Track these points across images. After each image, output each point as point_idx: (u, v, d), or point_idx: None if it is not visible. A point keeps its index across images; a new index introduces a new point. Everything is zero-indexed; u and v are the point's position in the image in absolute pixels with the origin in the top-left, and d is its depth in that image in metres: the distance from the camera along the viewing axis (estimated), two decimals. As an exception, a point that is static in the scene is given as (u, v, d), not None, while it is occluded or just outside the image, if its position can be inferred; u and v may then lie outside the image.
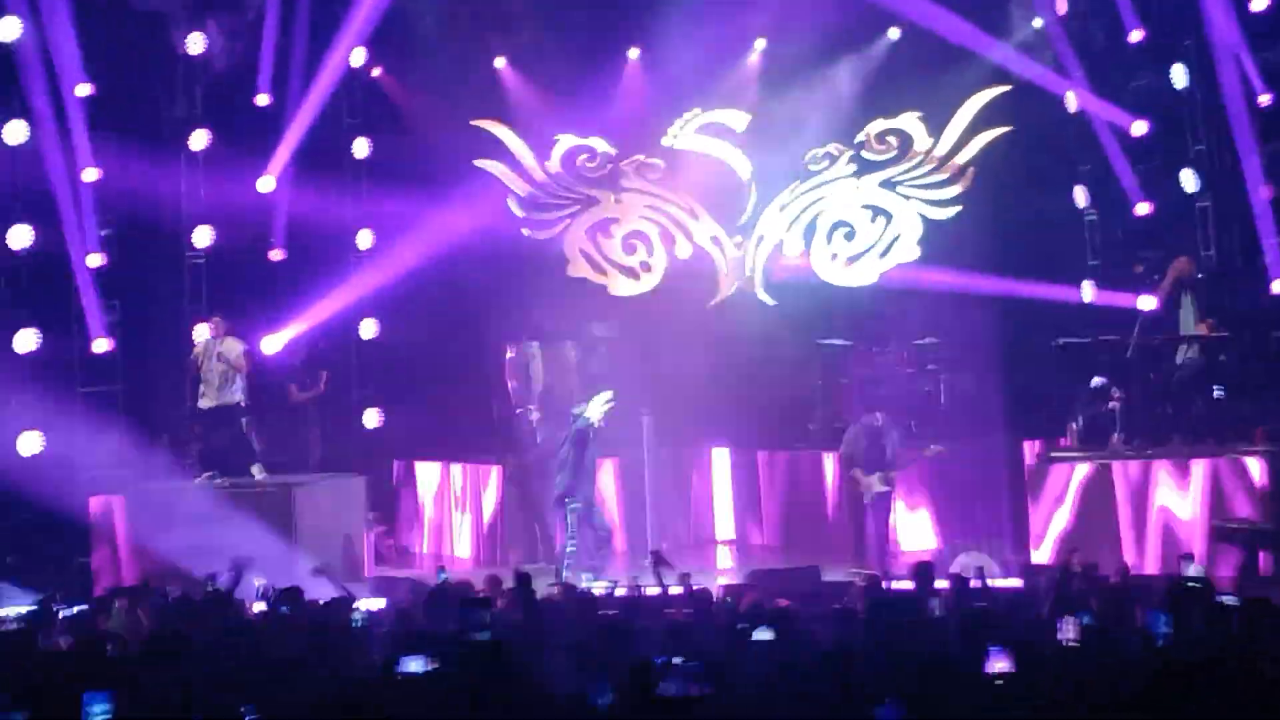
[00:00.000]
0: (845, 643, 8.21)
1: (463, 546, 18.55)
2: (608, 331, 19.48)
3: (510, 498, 17.93)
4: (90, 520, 16.58)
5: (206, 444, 17.37)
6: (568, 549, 15.77)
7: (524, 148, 19.70)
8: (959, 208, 19.02)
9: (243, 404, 17.25)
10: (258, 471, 17.12)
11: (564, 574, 15.10)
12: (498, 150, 19.66)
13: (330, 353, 19.10)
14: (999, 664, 7.73)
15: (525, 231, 19.73)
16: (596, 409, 16.03)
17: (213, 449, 17.28)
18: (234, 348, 17.13)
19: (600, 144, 19.62)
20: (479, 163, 19.55)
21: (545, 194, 19.76)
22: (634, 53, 19.60)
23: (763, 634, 8.94)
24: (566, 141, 19.67)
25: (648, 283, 19.77)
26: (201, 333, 17.37)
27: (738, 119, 19.42)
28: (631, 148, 19.59)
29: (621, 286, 19.82)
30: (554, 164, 19.70)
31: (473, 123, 19.46)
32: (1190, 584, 10.59)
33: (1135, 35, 17.47)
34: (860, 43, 19.11)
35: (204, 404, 17.18)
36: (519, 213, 19.72)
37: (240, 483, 17.01)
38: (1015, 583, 13.75)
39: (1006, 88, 18.57)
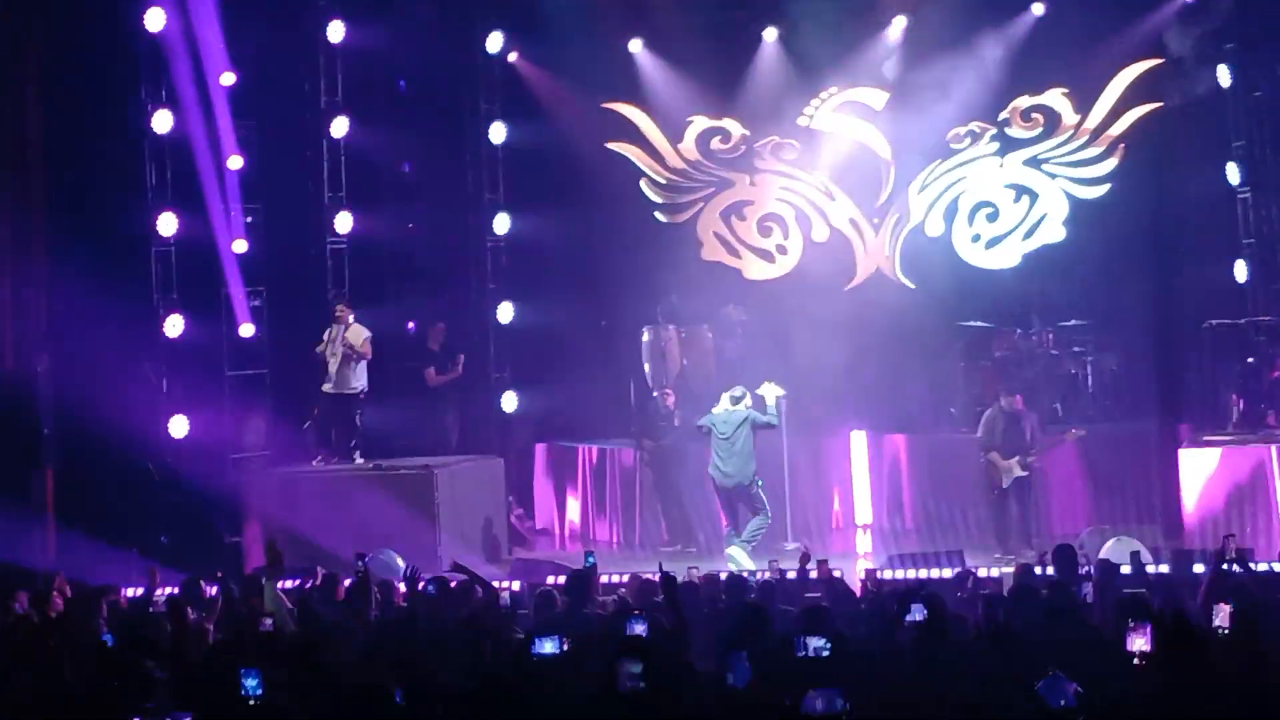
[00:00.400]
0: (997, 624, 8.02)
1: (601, 529, 18.52)
2: (744, 315, 19.31)
3: (646, 481, 17.85)
4: (239, 500, 16.80)
5: (325, 428, 17.49)
6: (760, 527, 16.04)
7: (656, 130, 19.52)
8: (1108, 186, 18.53)
9: (362, 393, 17.35)
10: (359, 458, 17.20)
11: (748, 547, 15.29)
12: (632, 133, 19.51)
13: (468, 336, 19.13)
14: (1138, 642, 7.54)
15: (658, 215, 19.59)
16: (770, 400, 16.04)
17: (325, 433, 17.39)
18: (358, 334, 17.25)
19: (734, 125, 19.37)
20: (612, 145, 19.39)
21: (679, 176, 19.57)
22: (771, 33, 19.33)
23: (916, 615, 8.76)
24: (700, 123, 19.46)
25: (783, 266, 19.49)
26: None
27: (876, 97, 19.06)
28: (766, 129, 19.28)
29: (756, 270, 19.57)
30: (687, 146, 19.49)
31: (605, 105, 19.31)
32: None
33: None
34: (1003, 17, 18.63)
35: (325, 388, 17.31)
36: (653, 196, 19.57)
37: (383, 464, 17.14)
38: (1165, 569, 13.44)
39: (1159, 60, 17.98)
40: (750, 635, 8.55)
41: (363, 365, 17.30)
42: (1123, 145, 18.44)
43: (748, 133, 19.33)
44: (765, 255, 19.54)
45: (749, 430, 16.22)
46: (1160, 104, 18.09)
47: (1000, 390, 16.48)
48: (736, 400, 16.36)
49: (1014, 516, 16.02)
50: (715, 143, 19.43)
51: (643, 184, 19.56)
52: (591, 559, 12.29)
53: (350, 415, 17.41)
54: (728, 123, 19.40)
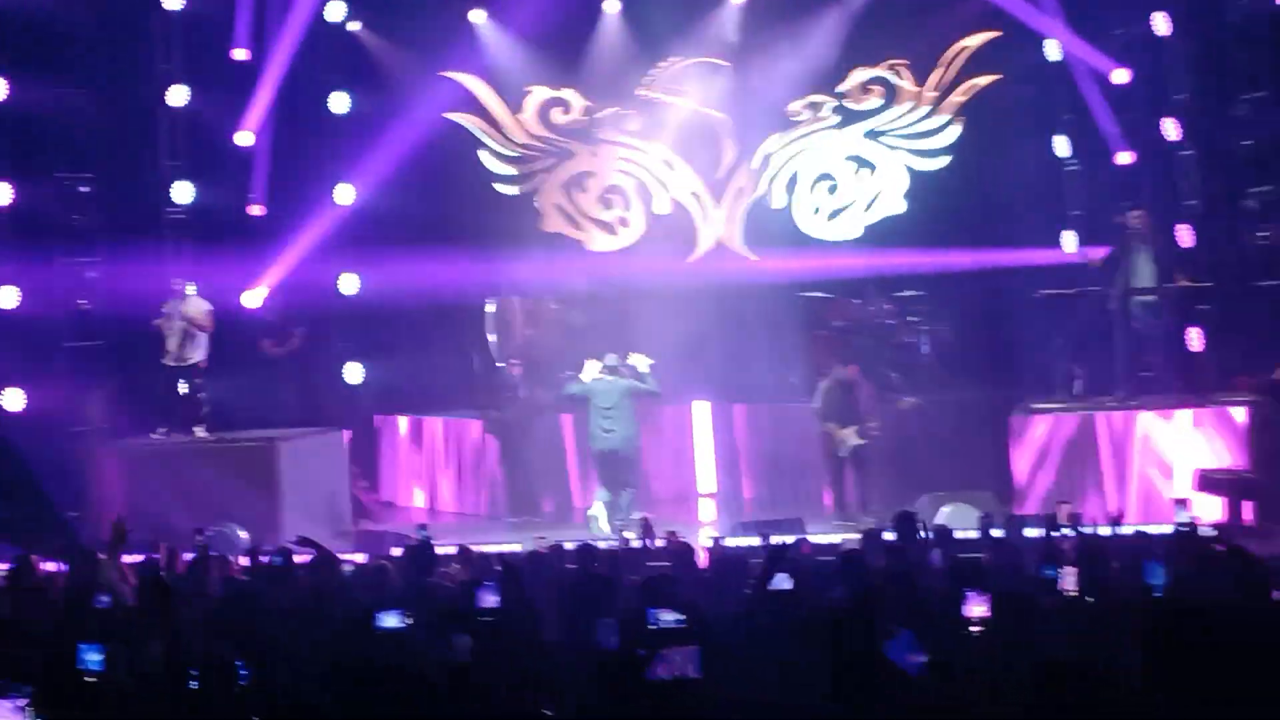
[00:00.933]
0: (861, 592, 8.18)
1: (445, 500, 18.56)
2: (588, 286, 19.42)
3: (492, 452, 17.91)
4: (79, 474, 16.56)
5: (165, 400, 17.35)
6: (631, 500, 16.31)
7: (496, 101, 19.49)
8: (949, 158, 18.82)
9: (201, 364, 17.21)
10: (200, 432, 17.07)
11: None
12: (472, 103, 19.46)
13: (310, 308, 18.98)
14: (976, 609, 7.76)
15: (498, 187, 19.57)
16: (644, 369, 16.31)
17: (169, 406, 17.26)
18: (198, 307, 17.12)
19: (575, 96, 19.39)
20: (450, 115, 19.32)
21: (519, 147, 19.55)
22: (613, 3, 19.34)
23: (782, 584, 8.88)
24: (540, 94, 19.45)
25: (625, 238, 19.59)
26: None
27: (718, 68, 19.09)
28: (608, 99, 19.30)
29: (599, 242, 19.61)
30: (527, 116, 19.47)
31: (442, 74, 19.19)
32: (1184, 533, 10.61)
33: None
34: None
35: (165, 361, 17.14)
36: (493, 168, 19.55)
37: (225, 437, 17.01)
38: (999, 534, 13.75)
39: (997, 33, 18.25)
40: (598, 607, 8.64)
41: (203, 338, 17.14)
42: (962, 116, 18.70)
43: (589, 103, 19.34)
44: (607, 227, 19.60)
45: (631, 399, 16.33)
46: (1000, 75, 18.40)
47: (835, 360, 16.74)
48: (612, 369, 16.42)
49: (853, 484, 16.32)
50: (556, 114, 19.43)
51: (482, 155, 19.50)
52: (424, 532, 12.31)
53: (191, 388, 17.25)
54: (568, 93, 19.40)
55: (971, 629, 7.63)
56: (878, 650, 6.48)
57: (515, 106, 19.42)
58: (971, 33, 18.50)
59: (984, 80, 18.54)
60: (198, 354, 17.18)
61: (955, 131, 18.80)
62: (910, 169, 19.01)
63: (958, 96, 18.75)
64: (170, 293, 17.23)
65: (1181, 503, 12.43)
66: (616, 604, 9.05)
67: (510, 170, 19.57)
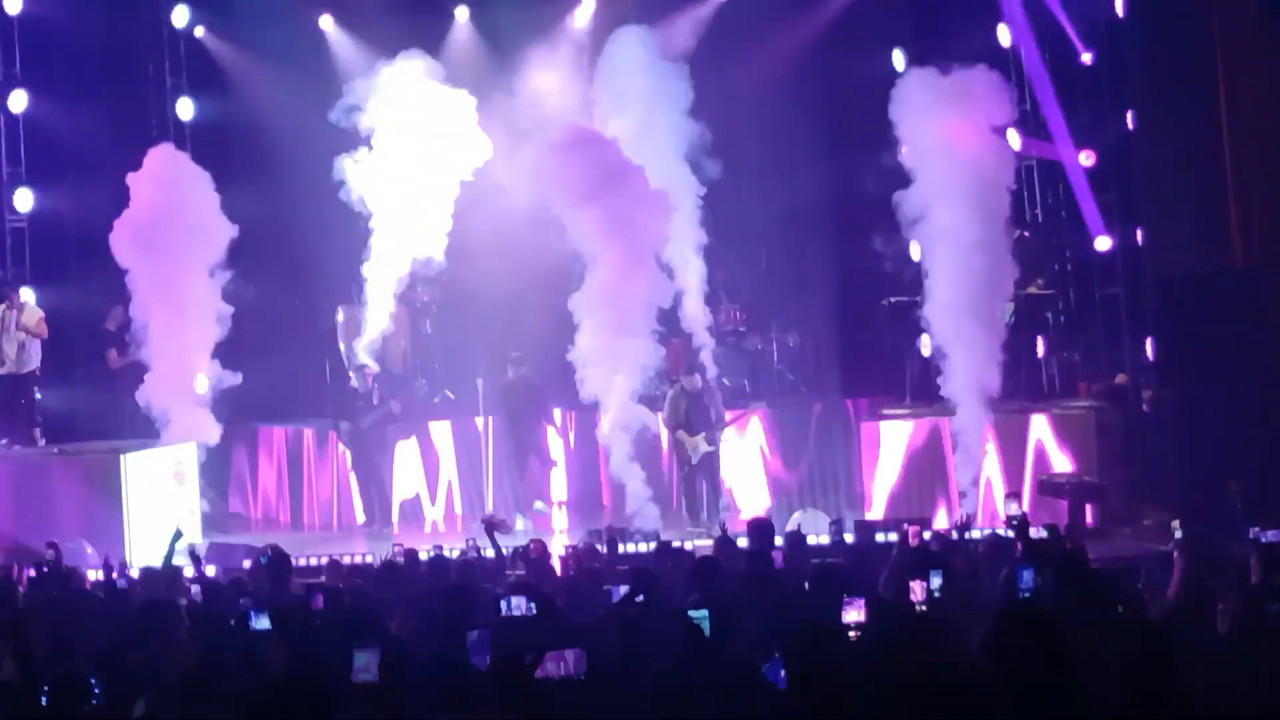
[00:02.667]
0: (714, 603, 8.24)
1: (297, 511, 18.37)
2: (437, 292, 19.39)
3: (344, 461, 17.78)
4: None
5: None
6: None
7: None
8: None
9: (36, 371, 16.94)
10: (39, 440, 16.77)
11: None
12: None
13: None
14: (852, 614, 7.87)
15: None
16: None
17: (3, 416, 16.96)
18: (33, 314, 16.90)
19: None
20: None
21: None
22: (462, 11, 19.51)
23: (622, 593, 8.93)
24: None
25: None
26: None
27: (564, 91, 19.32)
28: None
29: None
30: None
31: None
32: (1029, 537, 10.82)
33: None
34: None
35: (5, 370, 16.82)
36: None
37: (68, 448, 16.71)
38: (850, 538, 13.95)
39: None
40: (457, 616, 8.63)
41: (37, 345, 16.86)
42: None
43: None
44: None
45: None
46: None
47: (681, 369, 16.85)
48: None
49: (704, 491, 16.43)
50: None
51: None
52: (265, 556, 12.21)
53: (29, 395, 16.93)
54: None
55: (850, 634, 7.73)
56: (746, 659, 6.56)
57: None
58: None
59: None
60: (34, 361, 16.86)
61: None
62: None
63: None
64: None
65: (1013, 496, 12.67)
66: (479, 615, 9.04)
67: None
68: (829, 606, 7.89)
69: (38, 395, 17.16)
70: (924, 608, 8.85)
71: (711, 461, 16.43)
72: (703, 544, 13.74)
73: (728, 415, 16.66)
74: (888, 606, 7.95)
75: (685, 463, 16.53)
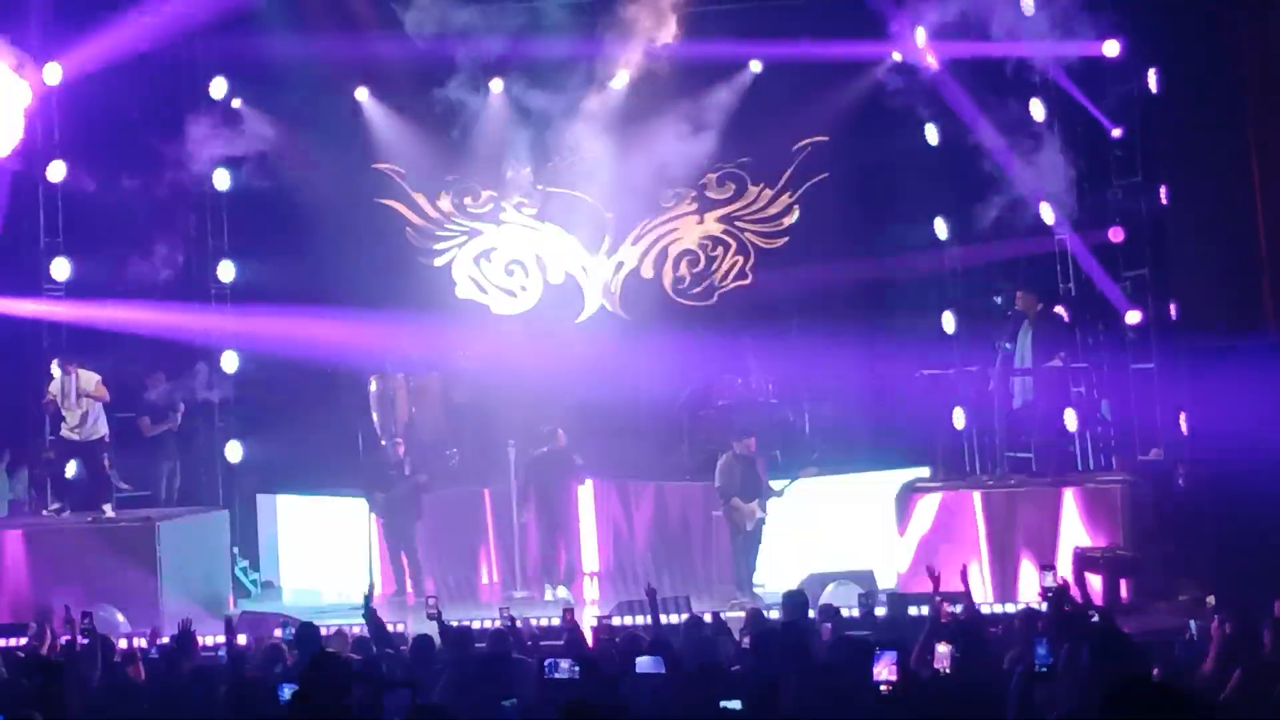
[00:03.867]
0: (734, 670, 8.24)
1: (329, 580, 18.37)
2: (472, 363, 19.56)
3: (377, 531, 17.78)
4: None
5: (62, 476, 17.08)
6: None
7: (417, 186, 20.53)
8: (786, 239, 20.31)
9: (106, 438, 17.04)
10: (109, 510, 16.88)
11: None
12: (394, 190, 20.45)
13: (191, 385, 18.74)
14: (883, 671, 7.84)
15: (422, 260, 20.64)
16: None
17: (72, 482, 17.01)
18: (90, 378, 16.95)
19: (482, 188, 20.55)
20: (383, 200, 20.42)
21: (437, 227, 20.66)
22: (496, 84, 19.83)
23: (648, 665, 8.89)
24: (453, 185, 20.58)
25: (525, 302, 20.83)
26: (55, 372, 17.13)
27: (600, 164, 20.17)
28: (508, 188, 20.50)
29: (502, 305, 20.77)
30: (443, 203, 20.67)
31: (376, 166, 20.30)
32: (1063, 610, 10.77)
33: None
34: (719, 77, 19.55)
35: (68, 434, 16.92)
36: (418, 243, 20.64)
37: (101, 517, 16.77)
38: (883, 612, 13.87)
39: (824, 137, 19.83)
40: (493, 687, 8.63)
41: (100, 410, 16.95)
42: (796, 206, 20.22)
43: (495, 194, 20.60)
44: (509, 293, 20.82)
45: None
46: (826, 174, 19.83)
47: (732, 437, 16.86)
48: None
49: (751, 561, 16.40)
50: (467, 200, 20.69)
51: (407, 231, 20.68)
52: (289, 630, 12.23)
53: (98, 463, 17.08)
54: (475, 185, 20.60)
55: (881, 689, 7.72)
56: None
57: (432, 195, 20.64)
58: (809, 135, 19.94)
59: (818, 177, 20.00)
60: (102, 429, 17.00)
61: (792, 218, 20.28)
62: (756, 246, 20.48)
63: (794, 190, 20.26)
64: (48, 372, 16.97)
65: (1048, 568, 12.61)
66: (513, 684, 9.03)
67: (432, 245, 20.74)
68: (857, 674, 7.86)
69: (107, 465, 17.17)
70: (947, 673, 8.82)
71: (759, 530, 16.39)
72: (734, 615, 13.65)
73: (775, 485, 16.65)
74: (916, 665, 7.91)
75: (739, 530, 16.47)
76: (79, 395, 16.84)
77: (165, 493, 18.30)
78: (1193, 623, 10.90)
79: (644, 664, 9.03)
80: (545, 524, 17.76)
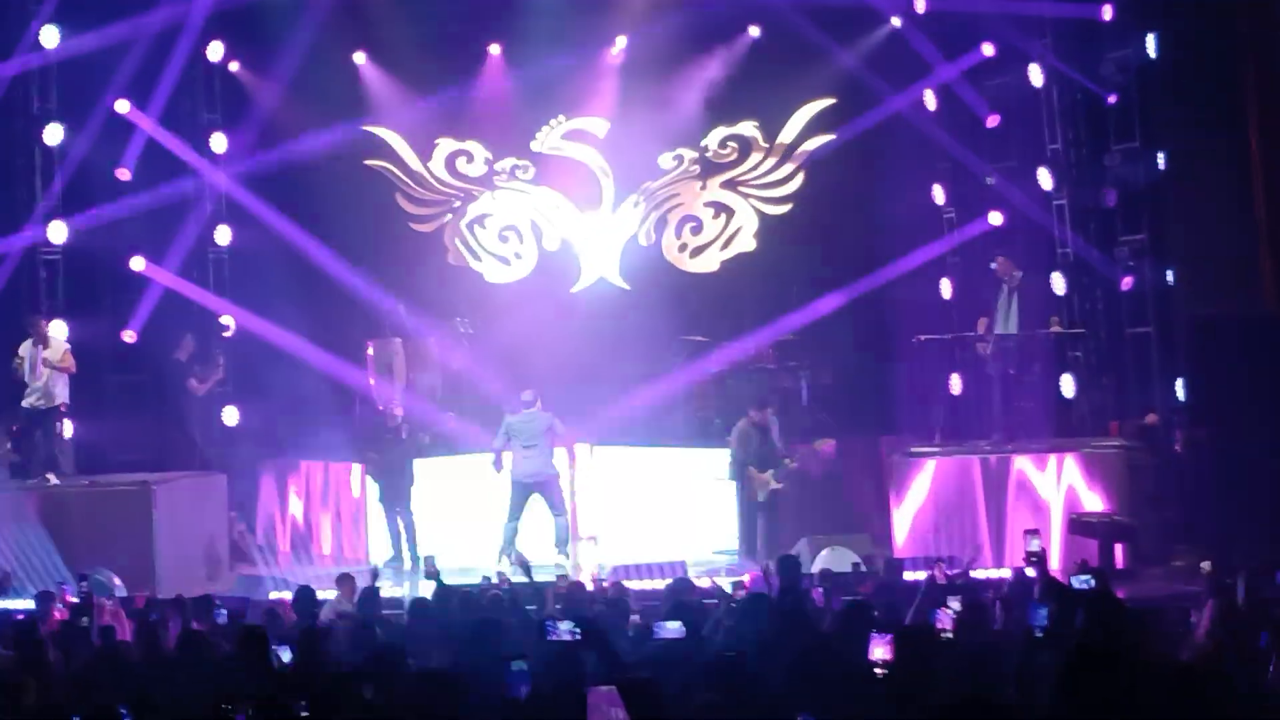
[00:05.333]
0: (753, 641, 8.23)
1: (325, 543, 18.42)
2: (470, 328, 19.59)
3: (372, 494, 17.79)
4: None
5: (27, 444, 17.06)
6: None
7: (408, 148, 20.30)
8: (790, 205, 20.08)
9: (63, 407, 16.96)
10: (53, 478, 16.64)
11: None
12: (384, 151, 20.23)
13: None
14: (879, 651, 7.84)
15: (413, 225, 20.46)
16: None
17: (29, 450, 16.97)
18: (58, 349, 16.82)
19: (477, 148, 20.35)
20: (371, 162, 20.21)
21: (428, 191, 20.47)
22: (495, 48, 19.75)
23: (670, 631, 8.84)
24: (446, 145, 20.38)
25: (520, 270, 20.63)
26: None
27: (598, 125, 20.27)
28: (504, 150, 20.32)
29: (496, 274, 20.57)
30: (436, 164, 20.40)
31: (365, 128, 20.02)
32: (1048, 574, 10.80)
33: (988, 49, 17.77)
34: (718, 40, 19.47)
35: (28, 403, 16.81)
36: (408, 209, 20.41)
37: (99, 480, 16.78)
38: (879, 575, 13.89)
39: (832, 100, 19.64)
40: (492, 648, 8.65)
41: (64, 379, 16.86)
42: (802, 171, 19.97)
43: (490, 155, 20.35)
44: (504, 260, 20.59)
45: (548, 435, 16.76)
46: (833, 136, 19.64)
47: (749, 404, 16.83)
48: (530, 404, 16.64)
49: (761, 529, 16.36)
50: (461, 162, 20.44)
51: (398, 197, 20.41)
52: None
53: (49, 430, 16.93)
54: (471, 144, 20.37)
55: (876, 671, 7.71)
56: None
57: (424, 155, 20.35)
58: (814, 98, 19.76)
59: (823, 139, 19.79)
60: (60, 396, 16.85)
61: (797, 183, 20.05)
62: (760, 212, 20.22)
63: (799, 153, 20.04)
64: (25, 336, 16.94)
65: (1032, 532, 12.62)
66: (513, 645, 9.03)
67: (422, 211, 20.52)
68: (857, 647, 7.86)
69: (61, 430, 17.07)
70: (950, 635, 8.83)
71: (775, 499, 16.36)
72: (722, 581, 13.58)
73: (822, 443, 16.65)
74: (914, 638, 7.90)
75: (752, 499, 16.45)
76: (43, 364, 16.71)
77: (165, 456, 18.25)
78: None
79: (667, 630, 8.98)
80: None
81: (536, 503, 16.87)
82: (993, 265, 17.01)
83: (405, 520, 17.37)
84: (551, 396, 17.38)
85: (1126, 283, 16.88)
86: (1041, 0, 17.36)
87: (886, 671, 7.63)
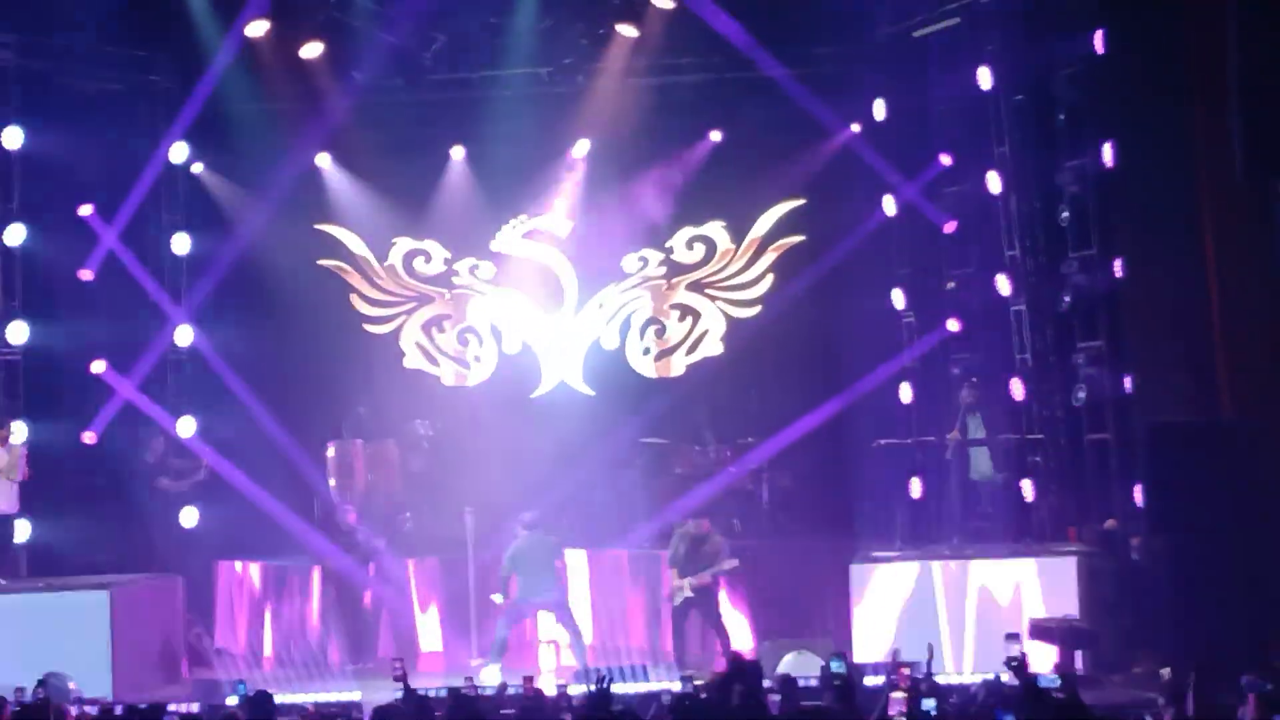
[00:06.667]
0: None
1: (282, 648, 18.22)
2: (430, 429, 19.60)
3: (329, 599, 17.70)
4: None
5: None
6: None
7: (364, 246, 20.21)
8: (759, 308, 20.06)
9: (13, 513, 16.89)
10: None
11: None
12: (339, 251, 20.21)
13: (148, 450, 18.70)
14: None
15: (368, 327, 20.32)
16: None
17: None
18: (13, 455, 16.77)
19: (435, 247, 20.30)
20: (324, 262, 20.15)
21: (384, 293, 20.38)
22: (458, 151, 19.95)
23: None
24: (404, 244, 20.31)
25: (479, 374, 20.44)
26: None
27: (561, 225, 20.28)
28: (463, 250, 20.27)
29: (454, 377, 20.41)
30: (393, 263, 20.34)
31: (317, 227, 20.04)
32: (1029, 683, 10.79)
33: (945, 160, 17.99)
34: (681, 144, 19.65)
35: None
36: (363, 309, 20.30)
37: (54, 582, 16.64)
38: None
39: (801, 200, 19.68)
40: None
41: (14, 489, 16.80)
42: (771, 273, 19.98)
43: (448, 254, 20.29)
44: (462, 364, 20.44)
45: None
46: (803, 237, 19.68)
47: (689, 513, 16.89)
48: (533, 527, 16.61)
49: (694, 632, 16.38)
50: (419, 262, 20.36)
51: (353, 298, 20.29)
52: (242, 687, 12.15)
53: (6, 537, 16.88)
54: (429, 244, 20.32)
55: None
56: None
57: (380, 255, 20.29)
58: (783, 199, 19.83)
59: (792, 240, 19.83)
60: (9, 506, 16.82)
61: (766, 285, 20.05)
62: (727, 315, 20.20)
63: (768, 255, 20.04)
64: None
65: (1013, 637, 12.63)
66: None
67: (378, 312, 20.41)
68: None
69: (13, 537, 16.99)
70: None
71: (704, 603, 16.37)
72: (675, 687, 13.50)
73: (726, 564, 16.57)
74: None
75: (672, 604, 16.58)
76: None
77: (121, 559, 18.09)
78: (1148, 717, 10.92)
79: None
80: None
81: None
82: (955, 370, 17.22)
83: (362, 625, 17.29)
84: (506, 499, 17.38)
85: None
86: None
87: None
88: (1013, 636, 12.66)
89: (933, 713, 9.22)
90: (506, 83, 19.40)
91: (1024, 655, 11.95)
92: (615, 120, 19.27)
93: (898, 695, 9.11)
